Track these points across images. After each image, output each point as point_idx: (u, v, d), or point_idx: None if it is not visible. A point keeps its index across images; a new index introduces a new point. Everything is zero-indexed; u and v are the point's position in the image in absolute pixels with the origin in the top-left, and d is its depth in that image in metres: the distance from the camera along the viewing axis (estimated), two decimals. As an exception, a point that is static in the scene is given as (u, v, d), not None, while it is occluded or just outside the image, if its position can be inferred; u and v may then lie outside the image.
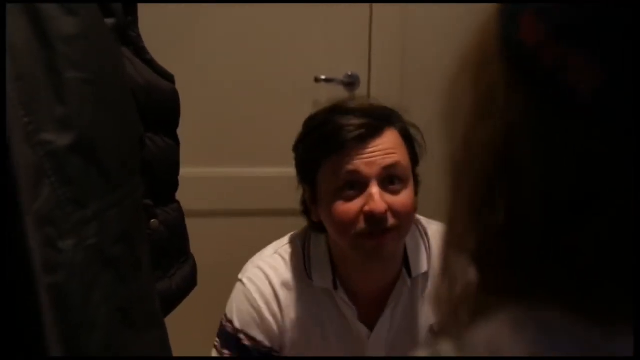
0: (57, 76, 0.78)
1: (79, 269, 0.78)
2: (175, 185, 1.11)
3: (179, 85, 1.11)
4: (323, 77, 2.15)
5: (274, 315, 1.29)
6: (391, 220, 1.16)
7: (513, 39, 0.43)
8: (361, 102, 1.26)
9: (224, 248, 2.06)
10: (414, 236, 1.29)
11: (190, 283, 1.14)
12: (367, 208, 1.14)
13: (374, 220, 1.15)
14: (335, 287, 1.27)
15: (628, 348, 0.41)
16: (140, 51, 1.01)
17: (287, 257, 1.32)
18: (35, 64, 0.78)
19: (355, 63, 2.19)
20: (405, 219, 1.19)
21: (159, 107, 1.05)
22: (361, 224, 1.16)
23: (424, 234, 1.31)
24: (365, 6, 2.17)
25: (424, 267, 1.28)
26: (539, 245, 0.44)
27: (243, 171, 2.21)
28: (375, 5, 2.17)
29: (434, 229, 1.31)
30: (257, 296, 1.29)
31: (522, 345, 0.43)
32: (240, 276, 1.32)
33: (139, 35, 1.02)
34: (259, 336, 1.29)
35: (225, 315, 1.32)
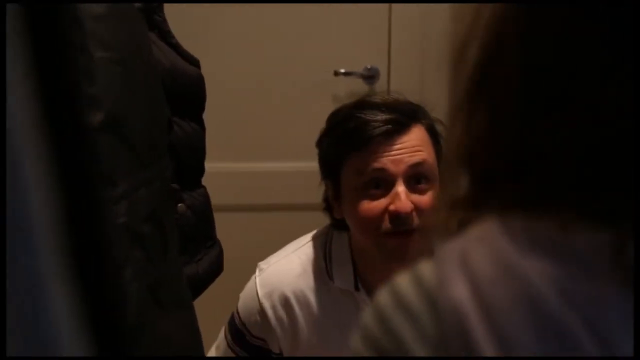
0: (87, 55, 0.79)
1: (109, 247, 0.78)
2: (201, 170, 1.11)
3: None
4: (342, 70, 2.14)
5: (279, 320, 1.26)
6: (416, 220, 1.13)
7: None
8: (386, 96, 1.23)
9: (245, 243, 2.05)
10: None
11: (216, 268, 1.14)
12: (392, 207, 1.12)
13: (399, 220, 1.12)
14: (357, 288, 1.24)
15: (589, 242, 0.42)
16: (165, 35, 1.02)
17: (307, 258, 1.29)
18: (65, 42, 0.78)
19: (374, 56, 2.18)
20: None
21: (185, 91, 1.05)
22: (386, 223, 1.13)
23: None
24: (385, -1, 2.17)
25: None
26: (515, 149, 0.46)
27: (262, 166, 2.21)
28: (395, -1, 2.17)
29: None
30: (264, 299, 1.26)
31: (487, 256, 0.44)
32: (257, 273, 1.31)
33: (164, 19, 1.02)
34: (259, 333, 1.29)
35: (237, 311, 1.32)
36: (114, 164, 0.80)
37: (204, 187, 1.12)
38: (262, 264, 1.31)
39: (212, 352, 1.39)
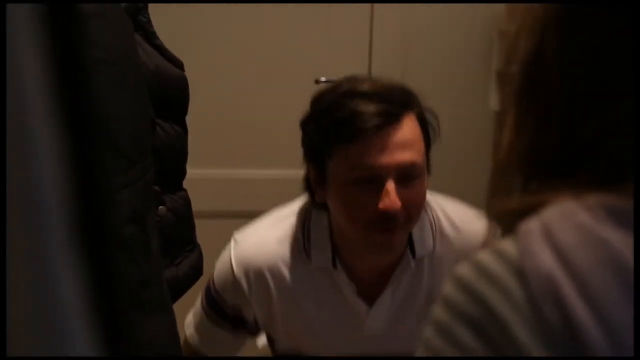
0: (77, 55, 0.78)
1: (95, 249, 0.77)
2: (183, 172, 1.11)
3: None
4: (323, 79, 2.15)
5: (253, 293, 1.25)
6: (403, 215, 1.12)
7: None
8: (375, 82, 1.19)
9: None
10: (420, 216, 1.24)
11: (196, 272, 1.13)
12: (382, 205, 1.10)
13: (388, 217, 1.11)
14: (335, 266, 1.23)
15: None
16: (150, 36, 1.01)
17: (284, 234, 1.27)
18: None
19: (355, 65, 2.19)
20: (417, 212, 1.16)
21: (169, 94, 1.05)
22: (372, 217, 1.12)
23: (432, 215, 1.27)
24: (366, 7, 2.18)
25: (429, 246, 1.25)
26: (566, 145, 0.50)
27: (243, 173, 2.21)
28: (376, 6, 2.18)
29: (442, 207, 1.28)
30: (239, 273, 1.24)
31: (568, 228, 0.47)
32: (232, 245, 1.28)
33: (149, 21, 1.02)
34: (234, 302, 1.27)
35: (212, 281, 1.30)
36: (101, 165, 0.80)
37: (185, 190, 1.12)
38: (238, 236, 1.29)
39: (189, 319, 1.38)
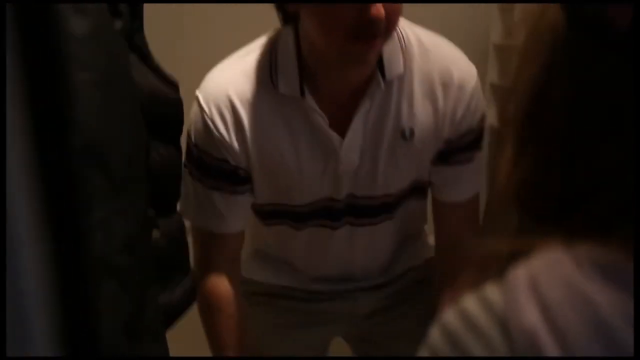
0: (67, 77, 0.76)
1: (82, 279, 0.75)
2: (177, 195, 1.08)
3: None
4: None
5: (232, 131, 1.22)
6: (383, 25, 1.09)
7: None
8: None
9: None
10: (392, 38, 1.21)
11: (190, 297, 1.11)
12: (368, 14, 1.06)
13: (370, 26, 1.07)
14: (303, 94, 1.20)
15: None
16: (145, 57, 0.99)
17: (250, 65, 1.24)
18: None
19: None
20: (394, 25, 1.13)
21: (163, 115, 1.03)
22: (354, 27, 1.08)
23: (402, 36, 1.25)
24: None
25: (399, 69, 1.22)
26: (565, 187, 0.49)
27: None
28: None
29: (415, 32, 1.27)
30: (213, 112, 1.21)
31: (556, 281, 0.47)
32: (197, 92, 1.25)
33: (144, 41, 1.00)
34: (219, 154, 1.24)
35: (189, 136, 1.26)
36: (90, 191, 0.78)
37: (179, 213, 1.10)
38: (205, 80, 1.26)
39: (181, 205, 1.31)
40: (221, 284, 1.31)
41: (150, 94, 0.99)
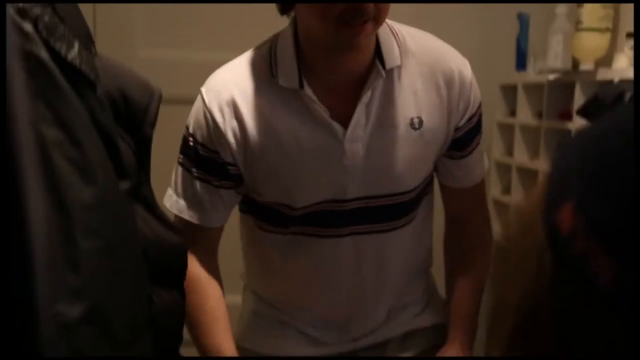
0: (73, 245, 0.79)
1: None
2: (179, 338, 1.09)
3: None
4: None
5: (230, 127, 1.28)
6: (372, 11, 1.16)
7: (552, 222, 0.48)
8: None
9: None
10: (385, 31, 1.29)
11: None
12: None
13: (361, 11, 1.14)
14: (302, 86, 1.26)
15: None
16: (151, 207, 1.02)
17: (251, 63, 1.32)
18: (52, 232, 0.78)
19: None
20: (384, 13, 1.19)
21: (167, 261, 1.05)
22: (345, 11, 1.14)
23: (396, 32, 1.32)
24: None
25: (397, 58, 1.29)
26: None
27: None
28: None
29: (405, 29, 1.34)
30: (213, 106, 1.28)
31: None
32: (201, 88, 1.33)
33: (150, 191, 1.03)
34: (212, 146, 1.30)
35: (187, 128, 1.33)
36: (94, 356, 0.79)
37: (182, 357, 1.10)
38: (209, 79, 1.34)
39: (168, 194, 1.38)
40: (196, 269, 1.38)
41: (154, 242, 1.01)
